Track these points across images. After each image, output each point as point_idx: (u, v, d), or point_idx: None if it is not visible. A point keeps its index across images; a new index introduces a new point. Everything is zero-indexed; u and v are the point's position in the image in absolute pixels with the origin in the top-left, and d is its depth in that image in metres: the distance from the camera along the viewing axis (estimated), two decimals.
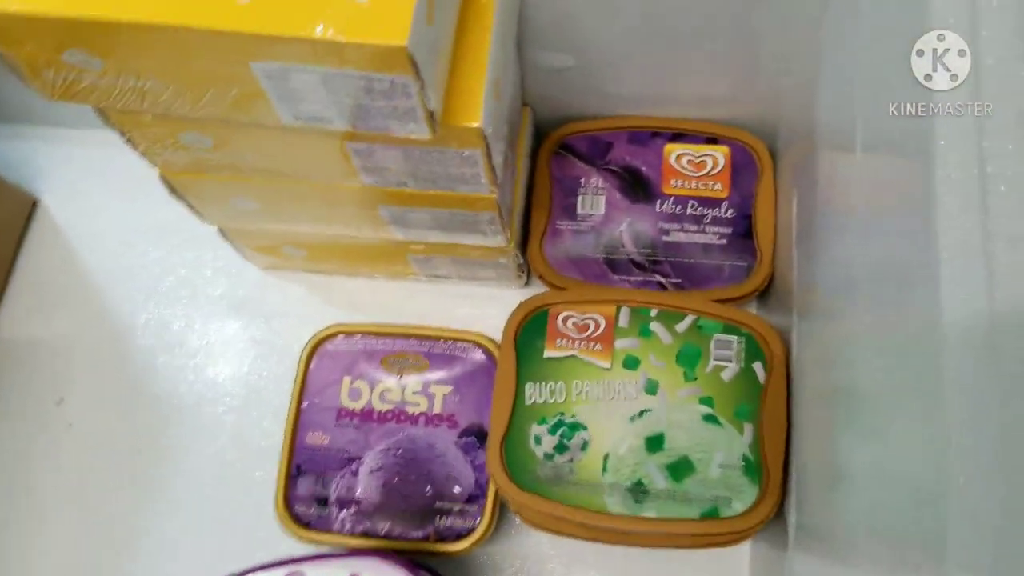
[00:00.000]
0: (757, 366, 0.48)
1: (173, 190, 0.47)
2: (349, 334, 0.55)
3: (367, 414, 0.53)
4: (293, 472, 0.52)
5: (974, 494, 0.25)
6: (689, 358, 0.49)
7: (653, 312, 0.50)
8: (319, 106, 0.35)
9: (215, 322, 0.61)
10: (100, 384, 0.59)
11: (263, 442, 0.56)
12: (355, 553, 0.48)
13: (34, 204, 0.64)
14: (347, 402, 0.54)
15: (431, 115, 0.35)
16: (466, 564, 0.53)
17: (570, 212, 0.55)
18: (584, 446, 0.47)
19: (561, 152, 0.57)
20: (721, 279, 0.53)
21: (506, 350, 0.50)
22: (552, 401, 0.48)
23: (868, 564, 0.33)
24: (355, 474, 0.52)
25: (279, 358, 0.59)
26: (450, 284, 0.59)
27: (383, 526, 0.51)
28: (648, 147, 0.56)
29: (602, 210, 0.55)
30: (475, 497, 0.51)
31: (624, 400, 0.48)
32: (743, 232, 0.54)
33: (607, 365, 0.49)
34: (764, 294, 0.54)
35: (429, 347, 0.55)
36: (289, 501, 0.52)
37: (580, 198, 0.56)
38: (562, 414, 0.48)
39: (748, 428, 0.47)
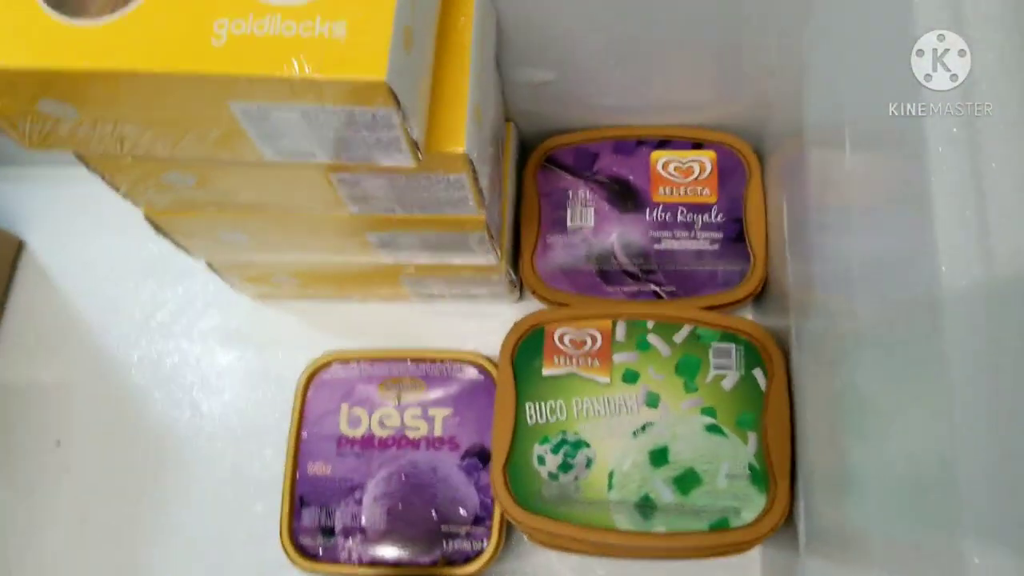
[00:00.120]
0: (757, 372, 0.48)
1: (159, 229, 0.47)
2: (345, 361, 0.55)
3: (368, 441, 0.53)
4: (296, 504, 0.52)
5: (984, 487, 0.25)
6: (689, 368, 0.48)
7: (650, 324, 0.49)
8: (301, 141, 0.35)
9: (209, 355, 0.60)
10: (97, 424, 0.59)
11: (263, 474, 0.56)
12: None
13: (19, 246, 0.64)
14: (347, 430, 0.53)
15: (415, 144, 0.35)
16: None
17: (560, 225, 0.55)
18: (588, 464, 0.47)
19: (547, 166, 0.56)
20: (716, 285, 0.53)
21: (504, 371, 0.49)
22: (554, 420, 0.48)
23: (882, 565, 0.33)
24: (359, 502, 0.51)
25: (276, 388, 0.58)
26: (444, 303, 0.59)
27: (391, 553, 0.50)
28: (634, 156, 0.56)
29: (591, 222, 0.55)
30: (481, 518, 0.51)
31: (626, 415, 0.47)
32: (734, 236, 0.53)
33: (606, 380, 0.48)
34: (760, 297, 0.54)
35: (426, 369, 0.54)
36: (294, 533, 0.51)
37: (569, 211, 0.55)
38: (564, 432, 0.47)
39: (752, 436, 0.46)
